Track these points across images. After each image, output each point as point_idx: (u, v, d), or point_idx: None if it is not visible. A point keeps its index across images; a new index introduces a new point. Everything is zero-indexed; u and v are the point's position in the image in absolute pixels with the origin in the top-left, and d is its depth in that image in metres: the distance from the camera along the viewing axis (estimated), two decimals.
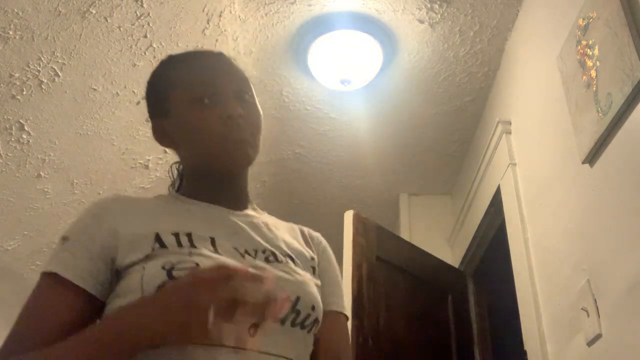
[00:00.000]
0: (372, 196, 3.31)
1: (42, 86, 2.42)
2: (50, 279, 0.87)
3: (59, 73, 2.38)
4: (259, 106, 1.04)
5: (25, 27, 2.17)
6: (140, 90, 2.49)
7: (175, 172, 1.09)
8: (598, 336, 1.48)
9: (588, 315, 1.53)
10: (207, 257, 0.86)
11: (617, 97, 1.38)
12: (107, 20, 2.18)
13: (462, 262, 2.94)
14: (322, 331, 0.96)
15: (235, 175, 1.02)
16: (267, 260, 0.93)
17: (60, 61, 2.33)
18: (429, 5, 2.18)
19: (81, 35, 2.23)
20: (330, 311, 1.01)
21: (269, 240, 0.98)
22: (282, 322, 0.86)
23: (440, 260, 2.81)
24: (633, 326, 1.33)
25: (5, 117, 2.54)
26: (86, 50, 2.30)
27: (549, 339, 1.85)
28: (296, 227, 1.09)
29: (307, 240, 1.07)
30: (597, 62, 1.50)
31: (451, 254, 3.11)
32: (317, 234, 1.11)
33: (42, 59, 2.30)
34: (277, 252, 0.96)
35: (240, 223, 0.98)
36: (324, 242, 1.11)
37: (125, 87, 2.48)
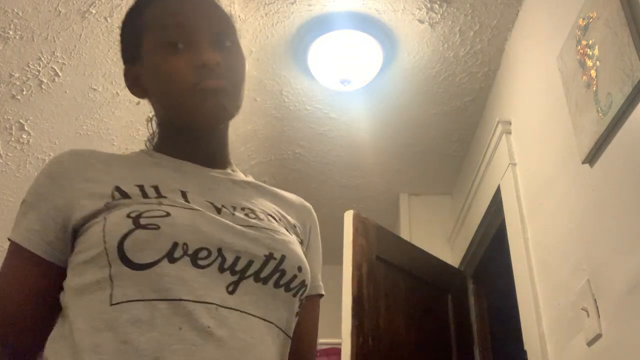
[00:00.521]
0: (372, 196, 3.31)
1: (42, 86, 2.42)
2: (11, 247, 0.81)
3: (59, 73, 2.38)
4: (242, 52, 0.91)
5: (25, 27, 2.17)
6: None
7: (153, 127, 0.97)
8: (598, 336, 1.48)
9: (588, 315, 1.53)
10: (180, 207, 0.77)
11: (617, 97, 1.38)
12: (107, 20, 2.18)
13: (462, 262, 2.94)
14: (302, 314, 0.87)
15: (210, 131, 0.90)
16: (247, 216, 0.83)
17: (60, 61, 2.33)
18: (429, 5, 2.18)
19: (81, 35, 2.23)
20: (313, 295, 0.93)
21: (249, 199, 0.88)
22: (265, 281, 0.77)
23: (440, 260, 2.81)
24: (633, 326, 1.33)
25: (5, 117, 2.54)
26: (86, 50, 2.30)
27: (549, 339, 1.85)
28: (281, 191, 0.99)
29: (291, 207, 0.96)
30: (597, 62, 1.50)
31: (451, 254, 3.11)
32: (308, 205, 1.00)
33: (42, 59, 2.30)
34: (256, 210, 0.85)
35: (216, 179, 0.88)
36: (315, 216, 1.00)
37: (125, 87, 2.47)
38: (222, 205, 0.82)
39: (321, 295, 0.97)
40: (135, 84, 0.93)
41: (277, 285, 0.78)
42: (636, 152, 1.35)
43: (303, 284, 0.82)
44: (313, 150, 2.95)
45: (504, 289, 2.43)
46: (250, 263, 0.76)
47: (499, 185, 2.37)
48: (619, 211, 1.42)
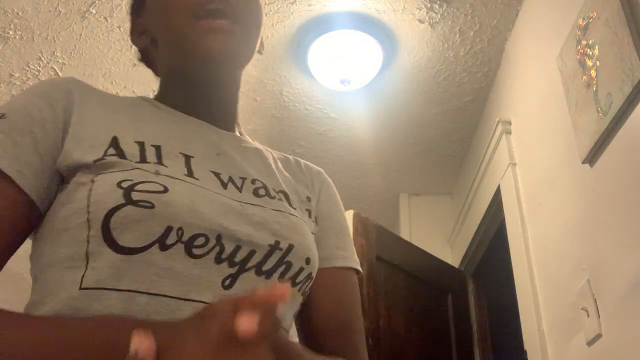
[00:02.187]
0: (372, 196, 3.31)
1: None
2: None
3: (59, 73, 2.38)
4: (260, 10, 0.80)
5: (25, 27, 2.17)
6: (141, 90, 2.49)
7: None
8: (598, 336, 1.48)
9: (588, 315, 1.53)
10: (181, 181, 0.65)
11: (617, 97, 1.38)
12: (107, 20, 2.18)
13: (462, 262, 2.94)
14: (325, 292, 0.76)
15: (215, 76, 0.77)
16: (256, 193, 0.71)
17: (60, 61, 2.33)
18: (429, 5, 2.18)
19: (81, 35, 2.23)
20: (337, 267, 0.79)
21: (260, 170, 0.77)
22: (268, 274, 0.66)
23: (440, 260, 2.81)
24: (633, 326, 1.33)
25: None
26: (86, 50, 2.30)
27: (549, 339, 1.85)
28: (291, 157, 0.89)
29: (303, 175, 0.86)
30: (597, 62, 1.50)
31: (451, 254, 3.11)
32: (317, 168, 0.89)
33: (42, 59, 2.31)
34: (268, 185, 0.74)
35: (225, 142, 0.76)
36: (326, 177, 0.89)
37: (125, 87, 2.48)
38: (230, 177, 0.71)
39: (355, 271, 0.81)
40: (141, 35, 0.82)
41: (282, 279, 0.67)
42: (636, 152, 1.35)
43: (309, 276, 0.70)
44: (313, 150, 2.95)
45: (504, 289, 2.43)
46: (252, 253, 0.65)
47: (499, 185, 2.37)
48: (619, 211, 1.42)
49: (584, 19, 1.58)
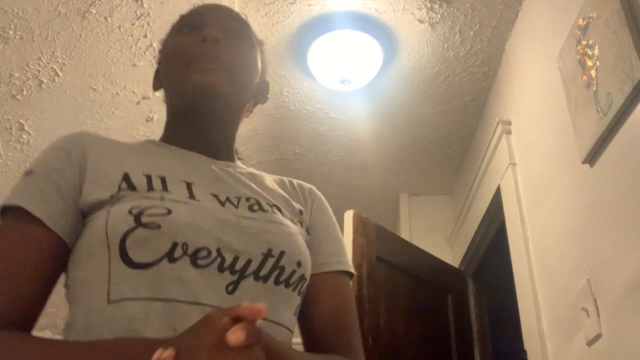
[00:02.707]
0: (372, 196, 3.31)
1: (42, 86, 2.42)
2: (14, 215, 0.74)
3: (59, 73, 2.38)
4: (253, 54, 0.94)
5: (25, 27, 2.17)
6: (141, 90, 2.49)
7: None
8: (598, 336, 1.48)
9: (588, 315, 1.53)
10: (183, 203, 0.76)
11: (617, 97, 1.38)
12: (107, 20, 2.19)
13: (462, 262, 2.94)
14: (322, 295, 0.86)
15: (206, 110, 0.89)
16: (250, 209, 0.82)
17: (60, 61, 2.33)
18: (429, 5, 2.18)
19: (81, 35, 2.23)
20: (331, 272, 0.89)
21: (253, 189, 0.87)
22: (265, 279, 0.75)
23: (440, 260, 2.81)
24: (633, 326, 1.33)
25: (5, 117, 2.54)
26: (86, 50, 2.30)
27: (549, 339, 1.85)
28: (285, 178, 0.99)
29: (296, 192, 0.96)
30: (597, 62, 1.50)
31: (451, 254, 3.11)
32: (309, 186, 1.00)
33: (42, 59, 2.31)
34: (261, 201, 0.84)
35: (221, 170, 0.88)
36: (318, 193, 0.99)
37: (125, 87, 2.48)
38: (227, 198, 0.81)
39: (348, 274, 0.91)
40: (157, 76, 0.97)
41: (277, 282, 0.77)
42: (636, 152, 1.35)
43: (302, 277, 0.80)
44: (313, 150, 2.95)
45: (504, 289, 2.43)
46: (249, 262, 0.75)
47: (499, 185, 2.37)
48: (619, 211, 1.42)
49: (584, 19, 1.58)
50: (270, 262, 0.76)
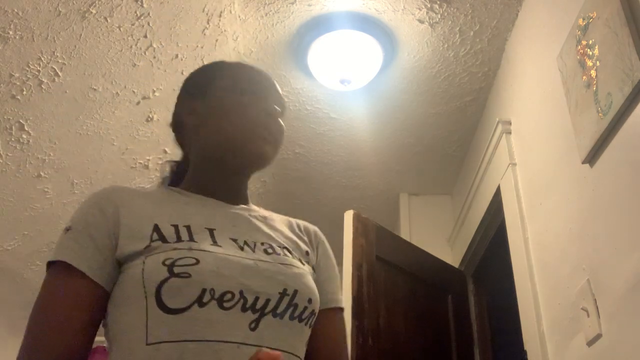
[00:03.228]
0: (372, 196, 3.31)
1: (42, 86, 2.42)
2: (61, 270, 0.85)
3: (59, 73, 2.38)
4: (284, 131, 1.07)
5: (25, 27, 2.17)
6: (141, 90, 2.49)
7: (168, 169, 1.11)
8: (598, 336, 1.48)
9: (588, 315, 1.53)
10: (208, 252, 0.86)
11: (617, 97, 1.38)
12: (107, 20, 2.18)
13: (462, 262, 2.94)
14: (320, 329, 0.97)
15: (246, 172, 1.03)
16: (265, 252, 0.92)
17: (60, 61, 2.33)
18: (429, 5, 2.18)
19: (81, 35, 2.23)
20: (328, 309, 1.01)
21: (266, 233, 0.98)
22: (281, 315, 0.86)
23: (440, 260, 2.81)
24: (633, 326, 1.33)
25: (5, 117, 2.54)
26: (86, 50, 2.30)
27: (549, 339, 1.85)
28: (293, 220, 1.09)
29: (302, 234, 1.06)
30: (597, 62, 1.50)
31: (451, 254, 3.11)
32: (313, 228, 1.10)
33: (42, 59, 2.30)
34: (274, 244, 0.95)
35: (238, 216, 0.98)
36: (321, 235, 1.10)
37: (125, 87, 2.48)
38: (245, 242, 0.92)
39: (341, 309, 1.06)
40: (189, 115, 1.03)
41: (291, 318, 0.87)
42: (636, 152, 1.35)
43: (312, 313, 0.92)
44: (313, 150, 2.95)
45: (504, 289, 2.43)
46: (267, 301, 0.85)
47: (499, 185, 2.37)
48: (619, 211, 1.42)
49: (584, 19, 1.58)
50: (286, 300, 0.87)
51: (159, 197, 0.97)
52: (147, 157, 2.89)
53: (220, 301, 0.81)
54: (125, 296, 0.83)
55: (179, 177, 1.07)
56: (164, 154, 2.85)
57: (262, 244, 0.94)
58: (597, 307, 1.50)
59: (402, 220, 3.23)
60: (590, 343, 1.53)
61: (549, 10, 1.93)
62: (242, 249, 0.90)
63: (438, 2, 2.17)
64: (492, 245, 2.64)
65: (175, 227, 0.88)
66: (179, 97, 1.09)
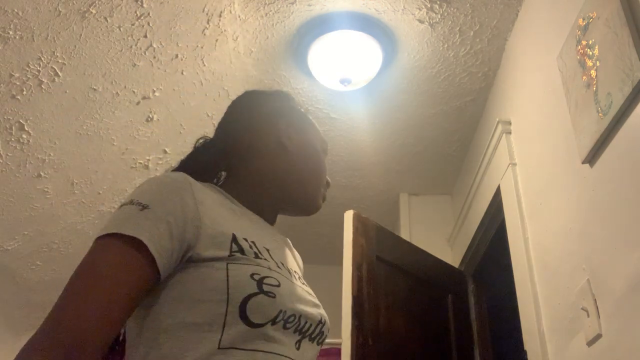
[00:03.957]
0: (372, 196, 3.31)
1: (42, 86, 2.42)
2: (128, 243, 0.79)
3: (59, 73, 2.38)
4: None
5: (25, 27, 2.17)
6: (141, 90, 2.49)
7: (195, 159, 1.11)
8: (598, 336, 1.48)
9: (588, 315, 1.53)
10: (280, 275, 0.91)
11: (617, 97, 1.38)
12: (107, 20, 2.18)
13: (462, 262, 2.94)
14: None
15: (294, 210, 1.12)
16: (299, 279, 1.01)
17: (60, 61, 2.33)
18: (429, 5, 2.18)
19: (81, 35, 2.23)
20: None
21: (289, 258, 1.05)
22: (312, 339, 0.95)
23: (440, 260, 2.81)
24: (633, 326, 1.33)
25: (5, 117, 2.54)
26: (86, 50, 2.30)
27: (549, 339, 1.85)
28: (288, 240, 1.16)
29: (297, 257, 1.16)
30: (597, 62, 1.50)
31: (451, 254, 3.11)
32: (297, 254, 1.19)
33: (42, 59, 2.30)
34: (299, 272, 1.05)
35: (277, 238, 1.06)
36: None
37: (125, 87, 2.48)
38: (287, 267, 0.98)
39: None
40: (285, 139, 1.08)
41: (318, 343, 0.97)
42: (636, 152, 1.35)
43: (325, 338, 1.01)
44: None
45: (504, 289, 2.43)
46: (310, 325, 0.94)
47: (499, 185, 2.37)
48: (619, 211, 1.42)
49: (584, 19, 1.58)
50: (320, 327, 0.96)
51: (221, 201, 0.97)
52: (147, 157, 2.89)
53: (286, 322, 0.88)
54: (197, 296, 0.83)
55: (203, 170, 1.05)
56: (164, 154, 2.85)
57: (295, 271, 1.02)
58: (597, 307, 1.50)
59: (402, 220, 3.23)
60: (590, 343, 1.53)
61: (549, 10, 1.93)
62: (290, 272, 0.98)
63: (438, 2, 2.17)
64: (492, 245, 2.64)
65: (247, 241, 0.91)
66: (274, 112, 1.12)
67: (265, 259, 0.91)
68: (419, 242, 2.90)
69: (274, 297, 0.85)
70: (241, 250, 0.88)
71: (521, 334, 2.06)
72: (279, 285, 0.87)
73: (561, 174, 1.78)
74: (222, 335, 0.81)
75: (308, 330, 0.93)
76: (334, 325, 2.29)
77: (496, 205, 2.45)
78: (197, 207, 0.86)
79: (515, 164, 2.24)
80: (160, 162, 2.91)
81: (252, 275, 0.85)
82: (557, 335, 1.78)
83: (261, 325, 0.84)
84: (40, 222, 3.18)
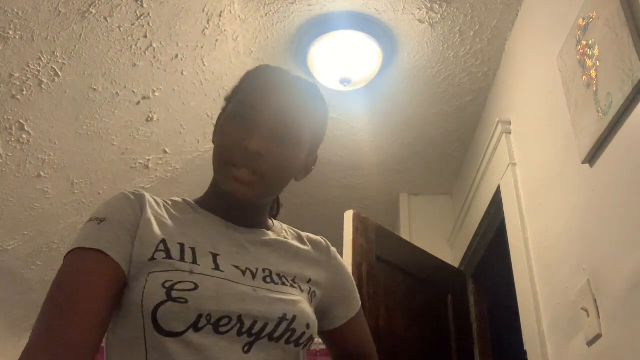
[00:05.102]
0: (372, 196, 3.31)
1: (42, 86, 2.42)
2: (89, 256, 0.85)
3: (59, 73, 2.38)
4: (300, 151, 0.99)
5: (25, 27, 2.17)
6: (141, 90, 2.49)
7: None
8: (598, 336, 1.48)
9: (588, 315, 1.53)
10: (208, 277, 0.87)
11: (617, 97, 1.38)
12: (107, 20, 2.18)
13: (462, 262, 2.94)
14: (351, 335, 1.10)
15: (240, 205, 0.99)
16: (264, 280, 0.93)
17: (60, 61, 2.33)
18: (429, 5, 2.18)
19: (81, 35, 2.23)
20: (352, 317, 1.11)
21: (270, 261, 0.98)
22: (278, 339, 0.88)
23: (440, 260, 2.81)
24: (633, 326, 1.33)
25: (5, 117, 2.54)
26: (86, 50, 2.30)
27: (549, 339, 1.85)
28: (304, 236, 1.10)
29: (310, 251, 1.07)
30: (597, 62, 1.50)
31: (451, 254, 3.11)
32: (325, 244, 1.11)
33: (42, 59, 2.30)
34: (274, 273, 0.96)
35: (246, 241, 0.98)
36: (332, 250, 1.12)
37: (125, 87, 2.48)
38: (247, 268, 0.93)
39: (360, 310, 1.15)
40: (215, 130, 1.03)
41: (287, 342, 0.89)
42: (636, 152, 1.35)
43: (310, 337, 0.94)
44: None
45: (504, 289, 2.43)
46: (265, 325, 0.87)
47: (499, 185, 2.37)
48: (619, 211, 1.42)
49: (584, 19, 1.58)
50: (284, 325, 0.89)
51: (175, 210, 0.98)
52: (147, 157, 2.89)
53: (216, 326, 0.83)
54: (125, 308, 0.84)
55: None
56: (164, 154, 2.85)
57: (264, 271, 0.95)
58: (597, 307, 1.50)
59: (402, 220, 3.23)
60: (590, 343, 1.53)
61: (549, 10, 1.93)
62: (243, 274, 0.91)
63: (438, 2, 2.17)
64: (492, 245, 2.64)
65: (182, 245, 0.90)
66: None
67: (195, 264, 0.87)
68: (419, 242, 2.90)
69: (185, 302, 0.82)
70: (168, 255, 0.87)
71: (521, 334, 2.06)
72: (194, 289, 0.83)
73: (561, 174, 1.78)
74: (146, 349, 0.81)
75: (263, 330, 0.87)
76: None
77: (496, 205, 2.45)
78: (140, 217, 0.90)
79: (515, 164, 2.24)
80: (160, 162, 2.91)
81: (163, 284, 0.83)
82: (557, 335, 1.78)
83: (180, 334, 0.81)
84: (40, 222, 3.18)
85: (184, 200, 1.03)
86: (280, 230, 1.08)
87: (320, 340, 1.13)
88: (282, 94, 0.97)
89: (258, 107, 0.94)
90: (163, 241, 0.89)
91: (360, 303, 1.15)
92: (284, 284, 0.96)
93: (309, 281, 1.02)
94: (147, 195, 0.96)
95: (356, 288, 1.15)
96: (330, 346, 1.14)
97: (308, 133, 1.00)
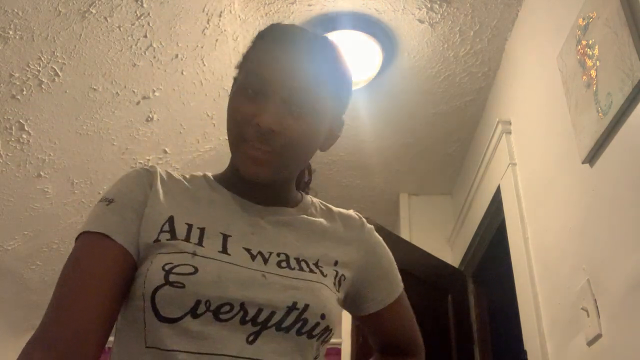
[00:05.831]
0: (372, 196, 3.31)
1: (42, 86, 2.42)
2: (95, 240, 0.82)
3: (59, 73, 2.38)
4: (317, 120, 0.90)
5: (25, 27, 2.17)
6: (141, 90, 2.49)
7: None
8: (598, 336, 1.48)
9: (588, 315, 1.53)
10: (211, 260, 0.81)
11: (617, 97, 1.38)
12: (107, 20, 2.18)
13: (462, 262, 2.94)
14: (389, 323, 1.04)
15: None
16: (279, 265, 0.85)
17: (60, 61, 2.33)
18: (429, 5, 2.18)
19: (81, 35, 2.23)
20: (391, 302, 1.03)
21: (288, 243, 0.90)
22: (287, 330, 0.80)
23: (440, 260, 2.81)
24: (633, 326, 1.33)
25: (5, 117, 2.54)
26: (86, 50, 2.30)
27: (549, 339, 1.85)
28: (336, 213, 1.01)
29: (339, 229, 0.98)
30: (597, 62, 1.50)
31: (451, 254, 3.11)
32: (359, 222, 1.02)
33: (42, 59, 2.30)
34: (291, 257, 0.88)
35: (264, 220, 0.90)
36: (367, 228, 1.02)
37: (125, 87, 2.48)
38: (259, 252, 0.86)
39: (401, 294, 1.08)
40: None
41: (299, 333, 0.81)
42: (636, 152, 1.35)
43: (327, 329, 0.84)
44: None
45: (504, 289, 2.43)
46: (272, 314, 0.80)
47: (499, 185, 2.37)
48: (619, 211, 1.42)
49: (584, 19, 1.58)
50: (294, 314, 0.81)
51: (188, 188, 0.92)
52: (147, 157, 2.89)
53: (217, 313, 0.77)
54: (132, 291, 0.82)
55: None
56: (164, 154, 2.85)
57: (278, 255, 0.87)
58: (597, 307, 1.50)
59: (402, 220, 3.23)
60: (590, 343, 1.53)
61: (549, 10, 1.93)
62: (254, 259, 0.84)
63: (438, 2, 2.17)
64: (492, 245, 2.64)
65: (189, 226, 0.85)
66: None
67: (200, 245, 0.82)
68: (419, 242, 2.90)
69: (182, 287, 0.77)
70: (173, 235, 0.83)
71: (521, 334, 2.06)
72: (193, 273, 0.78)
73: (561, 174, 1.78)
74: (145, 333, 0.77)
75: (269, 320, 0.79)
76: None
77: (496, 205, 2.45)
78: (149, 194, 0.87)
79: (515, 164, 2.24)
80: (160, 162, 2.91)
81: (163, 266, 0.78)
82: (557, 335, 1.78)
83: (176, 320, 0.76)
84: (40, 222, 3.18)
85: (204, 175, 0.96)
86: (308, 205, 0.99)
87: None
88: (294, 60, 0.86)
89: (268, 77, 0.85)
90: (170, 219, 0.85)
91: (402, 288, 1.05)
92: (301, 269, 0.87)
93: (336, 263, 0.93)
94: (159, 170, 0.92)
95: (397, 270, 1.05)
96: (368, 333, 1.08)
97: (328, 98, 0.92)
